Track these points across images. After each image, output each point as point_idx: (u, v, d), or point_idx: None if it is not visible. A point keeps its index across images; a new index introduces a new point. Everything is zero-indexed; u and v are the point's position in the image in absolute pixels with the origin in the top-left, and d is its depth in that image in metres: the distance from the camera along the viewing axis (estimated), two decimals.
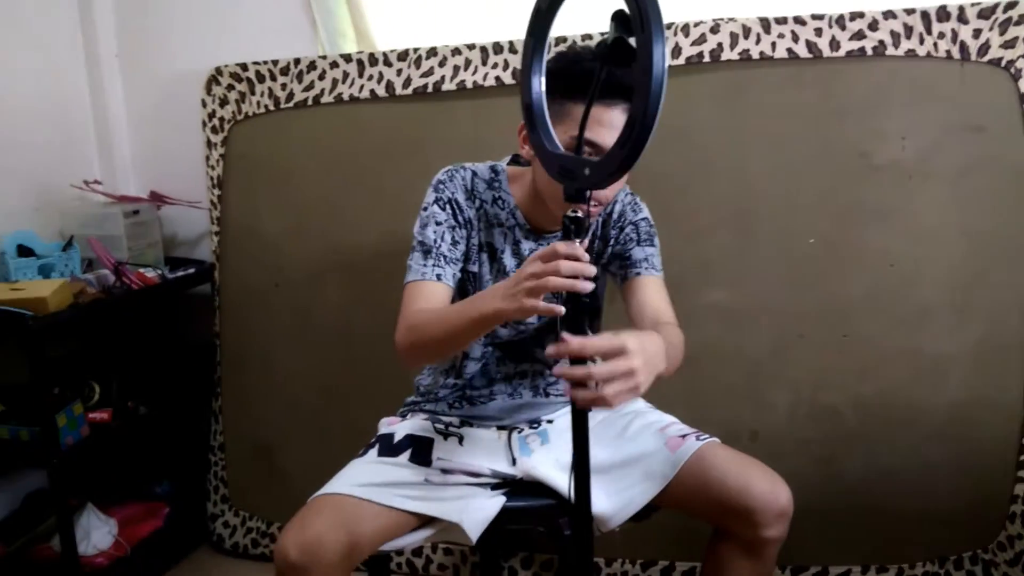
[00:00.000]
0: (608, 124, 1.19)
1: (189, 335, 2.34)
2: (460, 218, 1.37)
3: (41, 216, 2.12)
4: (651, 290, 1.39)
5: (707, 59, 1.78)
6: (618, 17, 0.93)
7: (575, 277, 0.99)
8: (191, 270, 2.19)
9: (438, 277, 1.33)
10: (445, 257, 1.35)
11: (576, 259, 1.00)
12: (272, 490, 2.15)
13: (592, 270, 1.00)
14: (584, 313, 1.01)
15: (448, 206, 1.37)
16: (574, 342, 0.97)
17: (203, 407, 2.22)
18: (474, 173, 1.41)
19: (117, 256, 2.04)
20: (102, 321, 2.26)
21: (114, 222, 2.09)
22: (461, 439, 1.43)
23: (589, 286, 1.00)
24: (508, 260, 1.41)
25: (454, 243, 1.36)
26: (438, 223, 1.36)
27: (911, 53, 1.69)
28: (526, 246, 1.40)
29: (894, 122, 1.72)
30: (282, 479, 2.13)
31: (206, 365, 2.21)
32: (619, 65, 0.97)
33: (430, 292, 1.32)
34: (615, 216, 1.44)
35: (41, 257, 1.95)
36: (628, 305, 1.40)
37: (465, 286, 1.41)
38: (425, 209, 1.38)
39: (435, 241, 1.35)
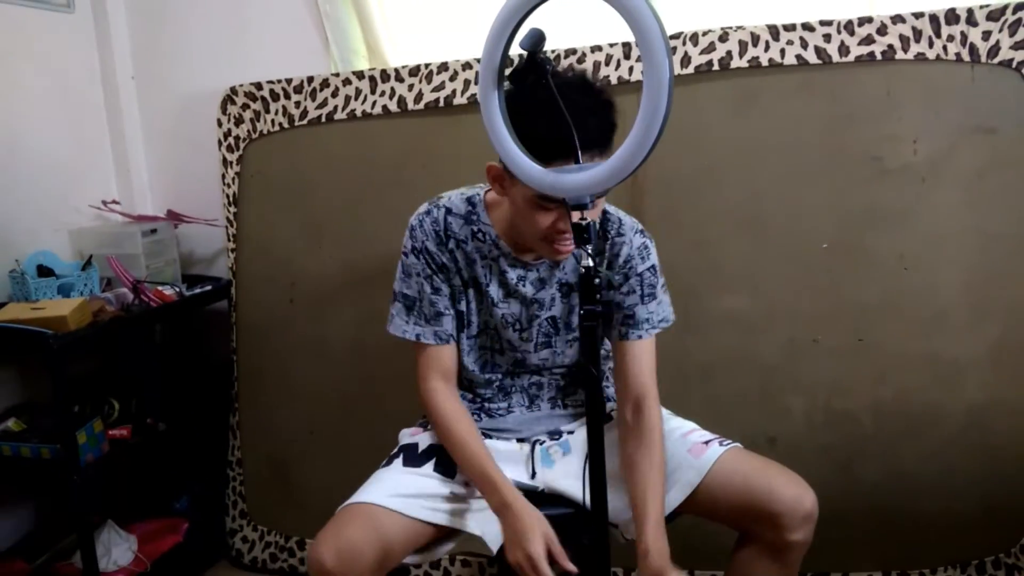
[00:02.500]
0: None
1: (207, 352, 2.36)
2: (434, 265, 1.37)
3: (60, 236, 2.16)
4: (644, 358, 1.37)
5: (716, 67, 1.79)
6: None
7: None
8: (208, 287, 2.22)
9: (438, 338, 1.38)
10: (429, 312, 1.37)
11: None
12: (290, 505, 2.16)
13: None
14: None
15: (421, 255, 1.37)
16: None
17: (221, 423, 2.23)
18: (448, 211, 1.37)
19: (135, 275, 2.06)
20: (121, 339, 2.29)
21: (132, 241, 2.12)
22: None
23: None
24: (495, 291, 1.39)
25: (435, 291, 1.37)
26: (417, 274, 1.38)
27: (921, 56, 1.69)
28: (512, 274, 1.37)
29: (905, 126, 1.72)
30: (300, 494, 2.14)
31: (223, 381, 2.23)
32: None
33: (438, 356, 1.39)
34: (621, 260, 1.37)
35: (60, 276, 1.98)
36: (616, 361, 1.40)
37: (460, 320, 1.41)
38: (405, 255, 1.39)
39: (417, 295, 1.38)
